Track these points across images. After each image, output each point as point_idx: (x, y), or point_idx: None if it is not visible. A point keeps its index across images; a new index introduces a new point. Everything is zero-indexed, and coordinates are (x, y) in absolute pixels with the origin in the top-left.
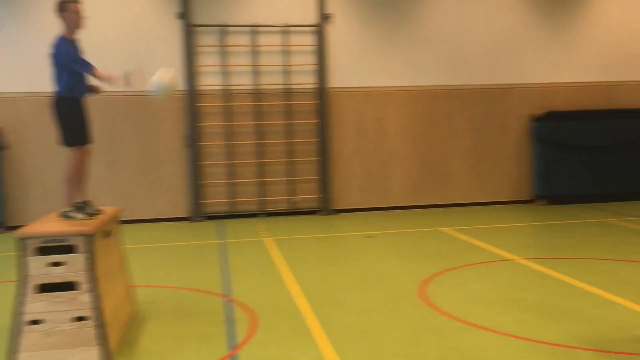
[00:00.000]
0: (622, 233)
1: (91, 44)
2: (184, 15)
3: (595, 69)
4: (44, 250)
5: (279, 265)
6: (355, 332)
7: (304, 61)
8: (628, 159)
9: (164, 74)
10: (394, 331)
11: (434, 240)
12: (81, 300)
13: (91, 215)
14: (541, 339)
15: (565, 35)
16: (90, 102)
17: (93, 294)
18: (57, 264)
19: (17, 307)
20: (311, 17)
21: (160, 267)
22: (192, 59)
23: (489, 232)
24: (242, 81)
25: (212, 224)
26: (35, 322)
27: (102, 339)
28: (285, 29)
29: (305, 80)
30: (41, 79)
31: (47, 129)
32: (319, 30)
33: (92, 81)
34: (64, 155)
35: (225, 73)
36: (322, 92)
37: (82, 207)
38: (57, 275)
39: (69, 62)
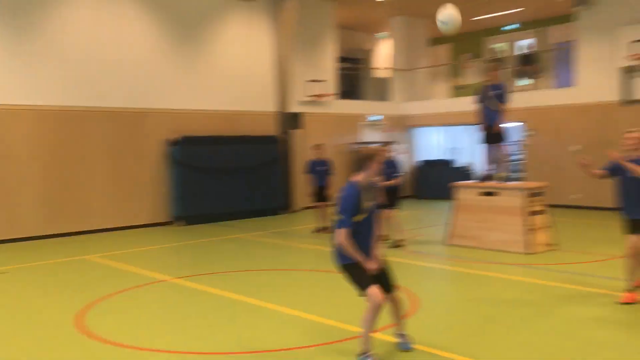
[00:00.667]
0: (252, 245)
1: None
2: None
3: (222, 98)
4: None
5: None
6: None
7: None
8: (251, 181)
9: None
10: None
11: (81, 269)
12: None
13: None
14: (209, 350)
15: (196, 65)
16: None
17: None
18: None
19: None
20: None
21: None
22: None
23: (136, 256)
24: None
25: None
26: None
27: None
28: None
29: None
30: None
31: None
32: None
33: None
34: None
35: None
36: None
37: None
38: None
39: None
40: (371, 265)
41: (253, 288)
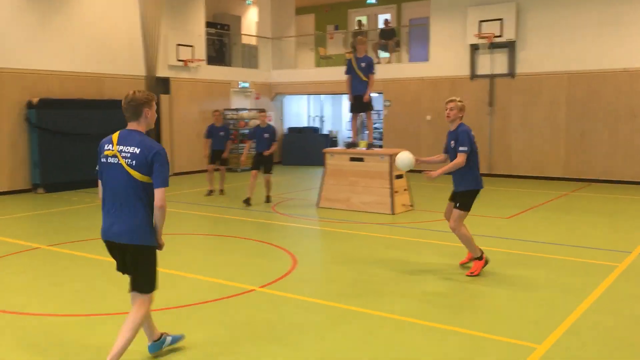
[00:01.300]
0: None
1: None
2: None
3: (85, 60)
4: None
5: None
6: None
7: None
8: None
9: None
10: None
11: None
12: None
13: None
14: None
15: (54, 23)
16: None
17: None
18: None
19: None
20: None
21: None
22: None
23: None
24: None
25: None
26: None
27: None
28: None
29: None
30: None
31: None
32: None
33: None
34: None
35: None
36: None
37: None
38: None
39: None
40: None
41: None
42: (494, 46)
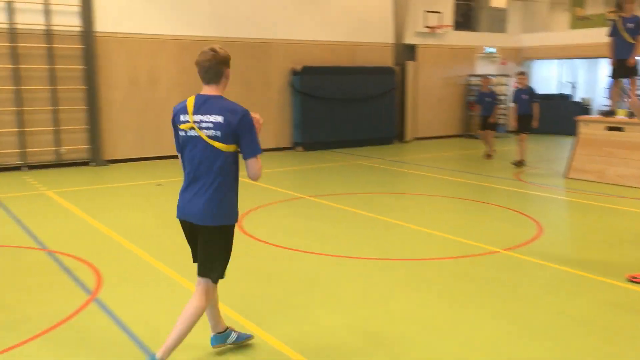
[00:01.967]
0: (371, 171)
1: None
2: None
3: (341, 30)
4: None
5: (81, 215)
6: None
7: (67, 1)
8: (367, 110)
9: None
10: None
11: None
12: None
13: None
14: (359, 256)
15: None
16: None
17: None
18: None
19: None
20: None
21: None
22: None
23: (268, 176)
24: None
25: None
26: None
27: None
28: None
29: (68, 21)
30: None
31: None
32: None
33: None
34: None
35: None
36: (87, 36)
37: None
38: None
39: None
40: None
41: (383, 208)
42: None
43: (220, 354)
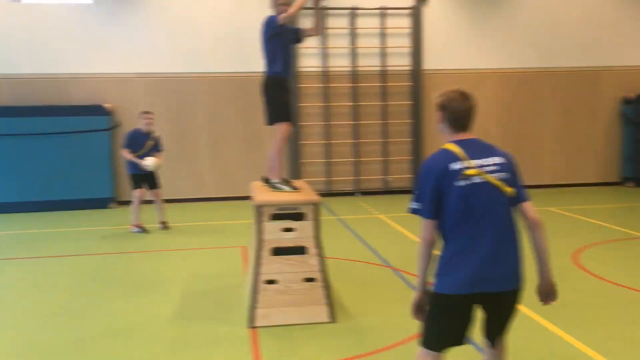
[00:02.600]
0: None
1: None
2: None
3: None
4: (277, 217)
5: (415, 239)
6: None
7: (400, 43)
8: None
9: None
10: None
11: (550, 218)
12: (310, 263)
13: (294, 189)
14: None
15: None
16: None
17: (319, 258)
18: (288, 229)
19: (255, 267)
20: (408, 0)
21: None
22: None
23: (594, 212)
24: (340, 63)
25: None
26: (271, 282)
27: (329, 298)
28: (383, 12)
29: (400, 62)
30: (155, 60)
31: (156, 107)
32: (415, 12)
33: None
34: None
35: (325, 55)
36: (416, 74)
37: (286, 180)
38: (289, 239)
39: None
40: None
41: None
42: None
43: None
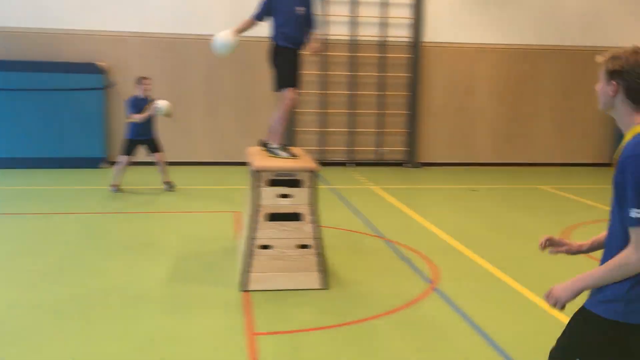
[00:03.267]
0: None
1: None
2: None
3: None
4: (274, 183)
5: (407, 211)
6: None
7: (401, 14)
8: None
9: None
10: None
11: (540, 197)
12: (305, 230)
13: (292, 155)
14: None
15: None
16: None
17: (315, 225)
18: (285, 196)
19: (250, 232)
20: None
21: None
22: None
23: (590, 192)
24: (339, 31)
25: None
26: (265, 247)
27: (322, 265)
28: None
29: (400, 33)
30: (151, 20)
31: (151, 69)
32: None
33: None
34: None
35: (324, 22)
36: (416, 46)
37: (285, 147)
38: (285, 206)
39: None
40: None
41: None
42: None
43: None
